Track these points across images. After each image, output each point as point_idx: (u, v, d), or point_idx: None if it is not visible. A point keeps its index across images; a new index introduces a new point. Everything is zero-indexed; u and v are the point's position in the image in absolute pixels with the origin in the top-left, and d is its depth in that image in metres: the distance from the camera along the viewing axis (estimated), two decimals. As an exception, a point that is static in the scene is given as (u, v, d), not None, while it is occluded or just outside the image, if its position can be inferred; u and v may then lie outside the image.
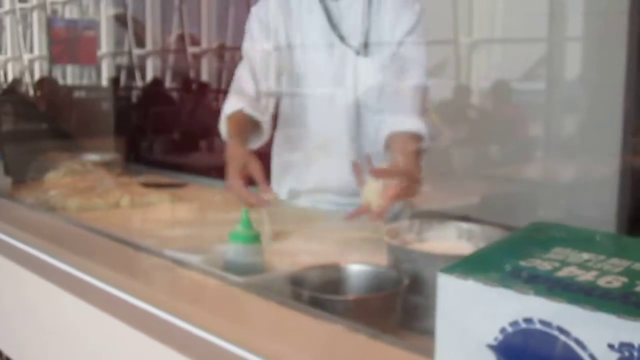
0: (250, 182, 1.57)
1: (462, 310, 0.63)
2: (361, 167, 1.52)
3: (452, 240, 1.25)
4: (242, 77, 1.85)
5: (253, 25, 1.87)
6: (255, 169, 1.56)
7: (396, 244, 1.17)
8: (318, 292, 1.08)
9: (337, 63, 1.76)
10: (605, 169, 2.61)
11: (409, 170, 1.56)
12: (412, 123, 1.66)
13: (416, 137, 1.65)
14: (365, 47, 1.73)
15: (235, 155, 1.60)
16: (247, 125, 1.76)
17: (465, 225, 1.26)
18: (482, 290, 0.61)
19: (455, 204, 2.48)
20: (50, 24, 5.65)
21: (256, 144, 1.81)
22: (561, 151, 3.12)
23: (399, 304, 1.07)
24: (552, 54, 3.35)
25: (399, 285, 1.08)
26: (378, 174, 1.50)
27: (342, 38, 1.74)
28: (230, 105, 1.79)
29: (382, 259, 1.18)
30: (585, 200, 2.68)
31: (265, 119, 1.79)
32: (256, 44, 1.85)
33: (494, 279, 0.61)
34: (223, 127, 1.79)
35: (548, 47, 3.37)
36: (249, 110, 1.76)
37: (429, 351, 0.91)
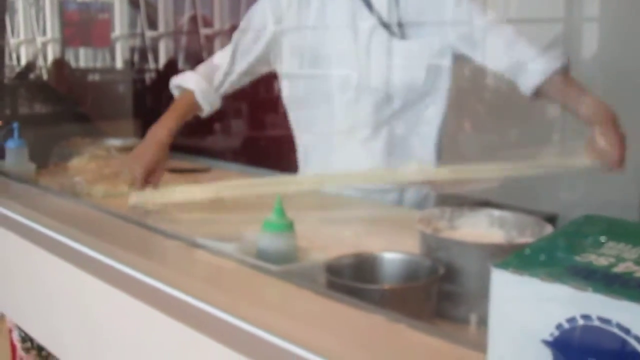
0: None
1: (517, 305, 0.63)
2: None
3: (483, 227, 1.25)
4: (222, 59, 1.92)
5: (258, 8, 1.90)
6: (159, 173, 1.74)
7: (429, 233, 1.17)
8: (353, 281, 1.09)
9: (366, 47, 1.74)
10: (629, 152, 2.59)
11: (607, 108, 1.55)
12: (551, 59, 1.62)
13: (564, 69, 1.62)
14: (402, 31, 1.70)
15: (161, 144, 1.75)
16: (193, 110, 1.89)
17: (497, 213, 1.26)
18: (538, 286, 0.61)
19: (475, 187, 2.47)
20: (62, 7, 5.63)
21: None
22: (583, 135, 3.09)
23: (434, 292, 1.07)
24: (571, 35, 3.31)
25: (434, 274, 1.08)
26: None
27: (381, 21, 1.71)
28: (187, 79, 1.90)
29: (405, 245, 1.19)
30: (607, 185, 2.66)
31: (208, 108, 1.89)
32: (254, 25, 1.90)
33: (550, 275, 0.61)
34: (174, 92, 1.93)
35: (565, 27, 3.32)
36: (199, 98, 1.87)
37: (469, 342, 0.92)
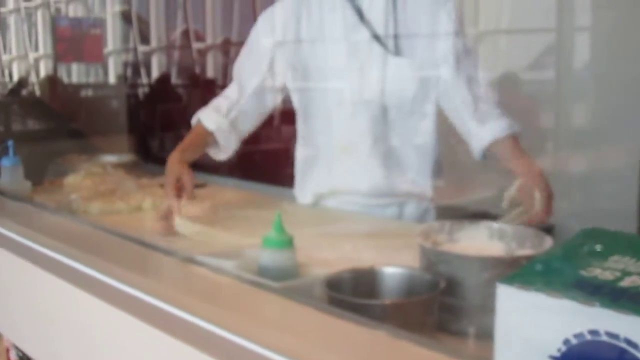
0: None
1: (523, 321, 0.63)
2: None
3: (483, 240, 1.25)
4: (228, 94, 1.92)
5: (255, 31, 1.91)
6: (186, 179, 1.76)
7: (429, 247, 1.16)
8: (354, 297, 1.08)
9: (362, 62, 1.74)
10: (626, 160, 2.60)
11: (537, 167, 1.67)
12: (508, 125, 1.71)
13: (515, 137, 1.72)
14: (396, 47, 1.72)
15: (172, 167, 1.78)
16: (203, 138, 1.89)
17: (496, 225, 1.25)
18: (544, 301, 0.61)
19: (472, 198, 2.48)
20: (54, 23, 5.64)
21: (219, 154, 1.93)
22: (579, 143, 3.09)
23: (436, 307, 1.07)
24: (563, 42, 3.32)
25: (435, 288, 1.08)
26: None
27: (376, 37, 1.73)
28: (201, 113, 1.91)
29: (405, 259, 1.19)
30: (605, 193, 2.67)
31: (223, 135, 1.88)
32: (254, 48, 1.91)
33: (556, 290, 0.61)
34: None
35: (558, 35, 3.34)
36: (209, 125, 1.88)
37: (472, 356, 0.92)
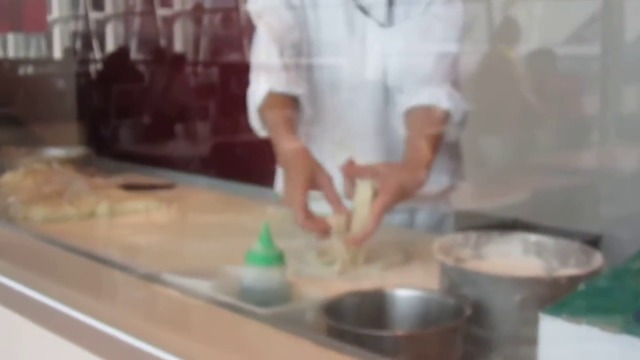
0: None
1: (571, 359, 0.62)
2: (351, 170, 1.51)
3: (517, 255, 1.24)
4: (262, 49, 1.81)
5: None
6: (326, 183, 1.51)
7: (452, 264, 1.16)
8: (359, 326, 1.08)
9: (359, 41, 1.75)
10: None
11: (404, 166, 1.57)
12: (431, 94, 1.65)
13: (436, 112, 1.64)
14: (389, 17, 1.71)
15: (298, 157, 1.55)
16: (288, 108, 1.70)
17: (532, 238, 1.25)
18: (599, 337, 0.60)
19: (499, 202, 2.48)
20: (-15, -17, 5.62)
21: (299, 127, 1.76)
22: (630, 133, 3.10)
23: (460, 338, 1.07)
24: (610, 9, 3.32)
25: (459, 316, 1.07)
26: (350, 171, 1.50)
27: (363, 10, 1.73)
28: (257, 92, 1.73)
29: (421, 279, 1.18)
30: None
31: (301, 92, 1.72)
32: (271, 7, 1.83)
33: (614, 323, 0.60)
34: (255, 122, 1.75)
35: (604, 1, 3.34)
36: (281, 88, 1.70)
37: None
